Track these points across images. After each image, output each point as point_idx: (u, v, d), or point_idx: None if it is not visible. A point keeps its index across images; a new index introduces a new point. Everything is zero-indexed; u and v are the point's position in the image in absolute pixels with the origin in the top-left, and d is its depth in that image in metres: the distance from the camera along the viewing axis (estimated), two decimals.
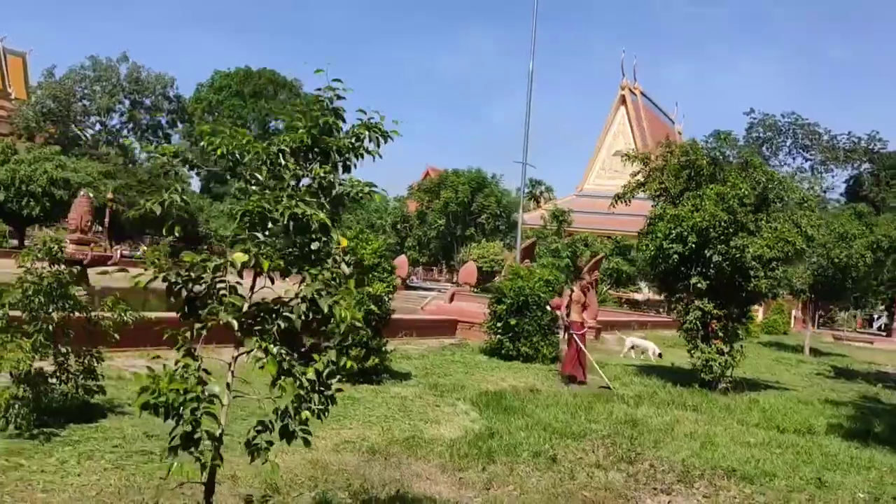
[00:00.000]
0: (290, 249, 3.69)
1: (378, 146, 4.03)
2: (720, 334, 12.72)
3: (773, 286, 12.36)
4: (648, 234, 13.00)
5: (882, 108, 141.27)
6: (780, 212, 12.84)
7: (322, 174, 3.87)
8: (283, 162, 3.84)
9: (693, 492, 6.52)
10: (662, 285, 13.66)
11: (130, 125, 64.82)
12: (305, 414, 3.54)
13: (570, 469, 6.75)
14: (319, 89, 3.92)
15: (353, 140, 3.95)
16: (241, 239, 3.64)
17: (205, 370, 3.41)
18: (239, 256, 3.46)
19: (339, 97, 3.92)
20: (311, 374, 3.45)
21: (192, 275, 3.49)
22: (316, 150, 3.92)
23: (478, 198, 53.08)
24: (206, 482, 3.55)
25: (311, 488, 5.54)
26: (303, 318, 3.49)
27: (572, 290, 12.97)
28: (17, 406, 5.96)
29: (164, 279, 3.47)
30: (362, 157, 4.01)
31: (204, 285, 3.51)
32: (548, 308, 14.08)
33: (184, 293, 3.52)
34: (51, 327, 6.16)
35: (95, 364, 6.63)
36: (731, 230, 12.02)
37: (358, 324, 3.49)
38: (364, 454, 6.63)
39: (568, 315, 12.65)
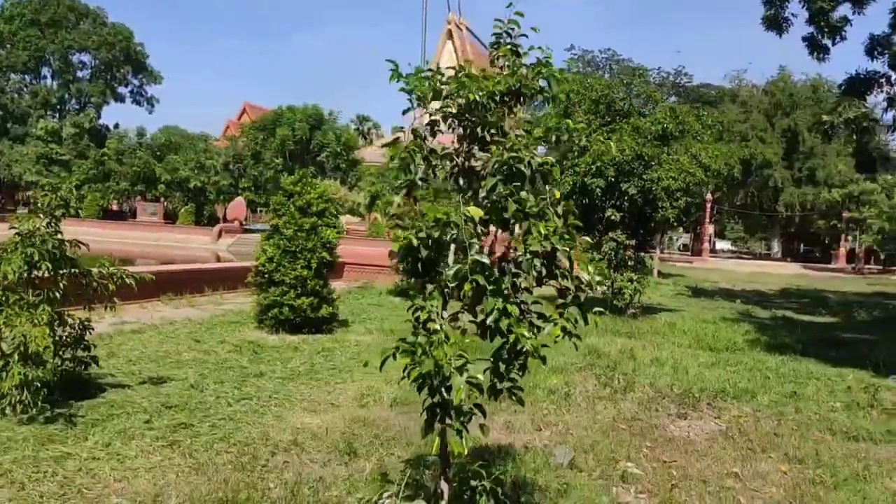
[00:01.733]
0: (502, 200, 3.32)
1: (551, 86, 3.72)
2: (629, 263, 13.41)
3: (679, 215, 13.16)
4: (565, 171, 13.26)
5: (690, 43, 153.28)
6: (679, 145, 13.56)
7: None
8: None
9: (702, 414, 6.90)
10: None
11: None
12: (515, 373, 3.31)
13: (588, 404, 6.90)
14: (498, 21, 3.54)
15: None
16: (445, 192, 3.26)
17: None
18: (475, 211, 3.10)
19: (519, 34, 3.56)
20: (557, 332, 3.18)
21: (435, 233, 3.08)
22: (518, 95, 3.55)
23: (316, 135, 51.58)
24: (440, 454, 3.27)
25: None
26: (536, 273, 3.19)
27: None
28: (29, 387, 5.08)
29: (416, 236, 3.05)
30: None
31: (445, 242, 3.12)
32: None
33: (423, 252, 3.11)
34: (58, 296, 5.27)
35: (87, 333, 5.79)
36: (643, 164, 12.57)
37: (599, 278, 3.25)
38: (395, 408, 6.36)
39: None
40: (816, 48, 17.34)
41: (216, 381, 6.79)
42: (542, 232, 3.15)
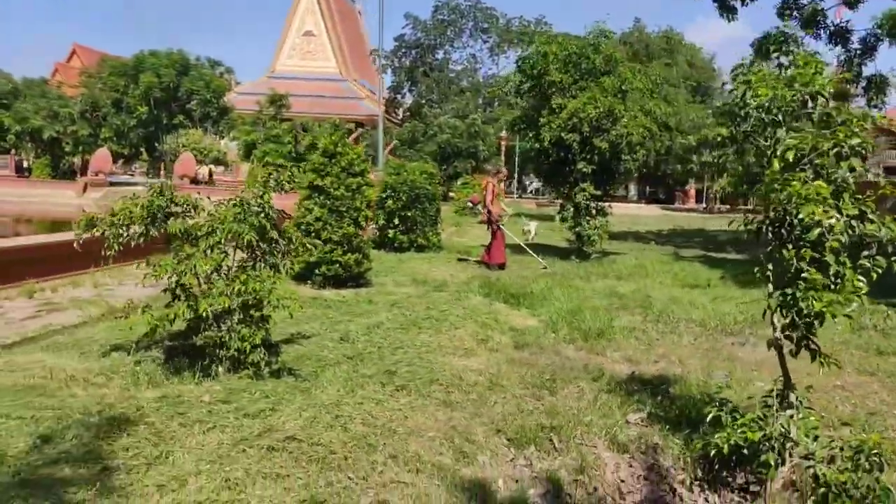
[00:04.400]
0: None
1: None
2: (593, 212, 14.68)
3: (639, 167, 14.52)
4: (538, 126, 14.16)
5: None
6: (632, 102, 14.83)
7: None
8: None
9: (745, 341, 8.18)
10: (549, 173, 15.09)
11: None
12: None
13: (665, 338, 8.02)
14: None
15: None
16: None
17: None
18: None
19: None
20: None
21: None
22: None
23: (184, 82, 49.15)
24: None
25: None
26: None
27: (492, 184, 13.76)
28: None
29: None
30: None
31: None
32: (468, 204, 14.78)
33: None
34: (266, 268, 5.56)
35: None
36: (612, 120, 13.73)
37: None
38: (523, 350, 7.13)
39: (486, 206, 13.49)
40: (726, 9, 19.19)
41: (349, 333, 7.22)
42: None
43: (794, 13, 17.97)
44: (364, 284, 10.38)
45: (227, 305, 5.25)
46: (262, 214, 5.55)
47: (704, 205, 53.75)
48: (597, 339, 7.75)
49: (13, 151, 49.01)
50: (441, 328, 7.83)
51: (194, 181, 47.93)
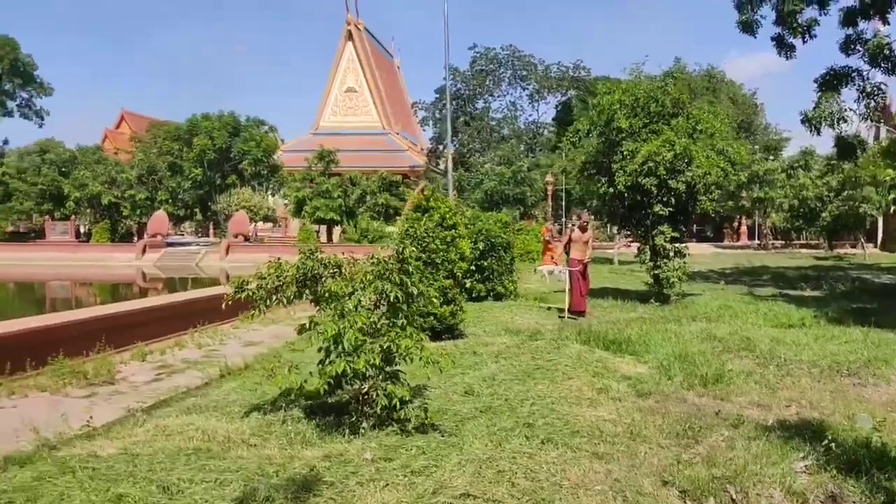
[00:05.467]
0: None
1: None
2: (671, 254, 14.58)
3: (716, 207, 14.43)
4: (611, 171, 14.22)
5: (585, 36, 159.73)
6: (703, 142, 14.82)
7: None
8: None
9: (865, 381, 7.98)
10: (624, 217, 15.09)
11: None
12: None
13: (788, 379, 7.87)
14: None
15: None
16: None
17: None
18: None
19: None
20: None
21: None
22: None
23: (236, 143, 50.54)
24: None
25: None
26: None
27: (572, 230, 13.80)
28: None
29: None
30: None
31: None
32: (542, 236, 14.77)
33: None
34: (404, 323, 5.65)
35: None
36: (686, 161, 13.73)
37: None
38: (646, 398, 7.06)
39: (568, 253, 13.52)
40: (784, 47, 19.21)
41: (471, 386, 7.23)
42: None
43: (858, 47, 17.91)
44: (459, 335, 10.44)
45: (376, 362, 5.33)
46: (403, 270, 5.66)
47: (758, 241, 52.91)
48: (715, 384, 7.63)
49: (73, 217, 50.60)
50: (555, 378, 7.80)
51: (247, 238, 48.92)
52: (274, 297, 5.64)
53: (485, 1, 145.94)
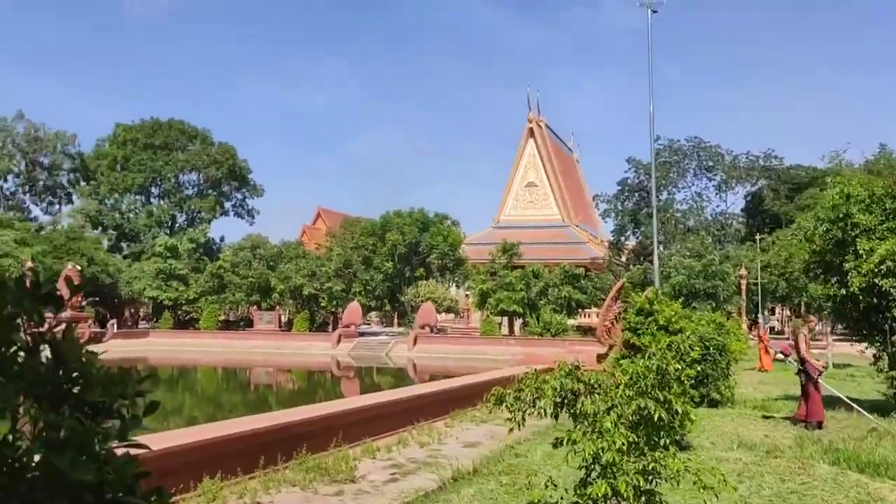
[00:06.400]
0: None
1: None
2: None
3: None
4: (842, 271, 13.25)
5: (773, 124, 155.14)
6: None
7: None
8: None
9: None
10: (857, 321, 13.94)
11: (27, 186, 59.83)
12: None
13: None
14: None
15: None
16: None
17: None
18: None
19: None
20: None
21: None
22: None
23: (424, 238, 52.76)
24: None
25: None
26: None
27: (804, 333, 12.96)
28: None
29: None
30: None
31: None
32: (778, 356, 14.10)
33: None
34: None
35: None
36: None
37: None
38: None
39: (801, 357, 12.62)
40: None
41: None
42: None
43: None
44: (686, 447, 9.92)
45: (640, 483, 5.16)
46: (663, 386, 5.51)
47: None
48: None
49: (277, 307, 54.60)
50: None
51: (432, 329, 50.22)
52: (529, 410, 5.68)
53: (668, 94, 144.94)
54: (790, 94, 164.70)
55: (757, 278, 51.06)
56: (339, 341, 47.12)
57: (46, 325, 1.69)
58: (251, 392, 31.87)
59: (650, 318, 9.88)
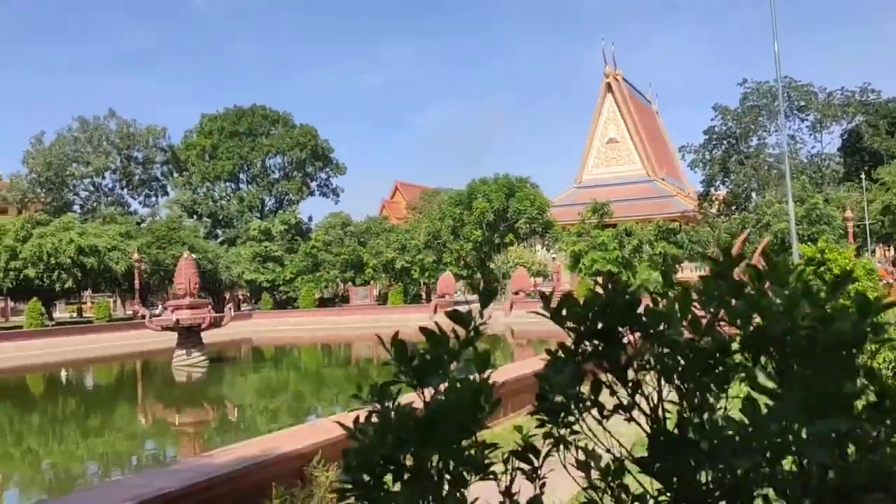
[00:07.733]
0: None
1: None
2: None
3: None
4: None
5: (871, 58, 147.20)
6: None
7: None
8: None
9: None
10: None
11: (124, 182, 62.30)
12: None
13: None
14: None
15: None
16: None
17: None
18: None
19: None
20: None
21: None
22: None
23: (511, 203, 52.47)
24: None
25: None
26: None
27: None
28: None
29: None
30: None
31: None
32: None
33: None
34: None
35: None
36: None
37: None
38: None
39: None
40: None
41: None
42: None
43: None
44: None
45: None
46: None
47: None
48: None
49: (371, 282, 55.51)
50: None
51: (527, 294, 50.11)
52: None
53: (751, 40, 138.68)
54: (886, 24, 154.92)
55: (864, 218, 48.79)
56: (436, 310, 47.60)
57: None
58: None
59: (822, 269, 9.43)
